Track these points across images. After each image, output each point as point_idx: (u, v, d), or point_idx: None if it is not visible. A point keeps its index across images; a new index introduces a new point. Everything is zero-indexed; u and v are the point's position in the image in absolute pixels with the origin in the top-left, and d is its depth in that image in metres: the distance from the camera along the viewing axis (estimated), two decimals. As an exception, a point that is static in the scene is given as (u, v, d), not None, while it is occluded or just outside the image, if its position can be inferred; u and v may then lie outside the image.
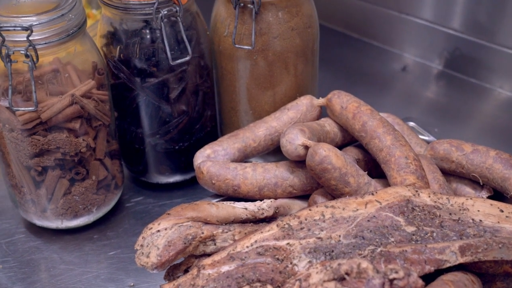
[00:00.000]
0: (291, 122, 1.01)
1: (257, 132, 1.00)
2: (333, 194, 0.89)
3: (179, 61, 0.96)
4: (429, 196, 0.83)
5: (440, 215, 0.80)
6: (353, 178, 0.87)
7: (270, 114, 1.03)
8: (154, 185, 1.12)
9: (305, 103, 1.02)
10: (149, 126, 1.04)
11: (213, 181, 0.94)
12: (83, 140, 0.94)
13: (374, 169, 0.98)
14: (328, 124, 0.99)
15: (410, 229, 0.79)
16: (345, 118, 0.97)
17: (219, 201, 0.94)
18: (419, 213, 0.80)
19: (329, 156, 0.86)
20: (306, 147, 0.89)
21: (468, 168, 0.93)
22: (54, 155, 0.93)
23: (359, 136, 0.95)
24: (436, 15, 1.36)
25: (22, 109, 0.87)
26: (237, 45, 1.00)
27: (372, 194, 0.82)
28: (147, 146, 1.06)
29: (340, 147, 1.00)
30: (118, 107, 1.03)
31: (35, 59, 0.84)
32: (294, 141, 0.90)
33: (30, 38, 0.83)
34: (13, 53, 0.84)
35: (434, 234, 0.78)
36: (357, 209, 0.80)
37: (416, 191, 0.83)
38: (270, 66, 1.03)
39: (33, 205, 0.98)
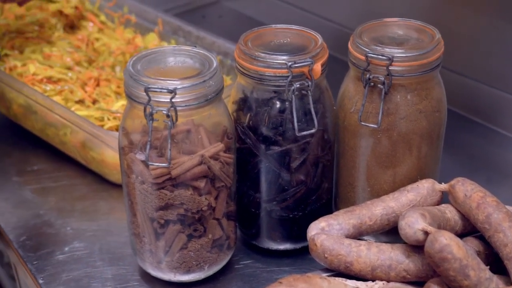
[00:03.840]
0: (410, 205, 0.99)
1: (374, 211, 1.00)
2: (450, 284, 0.86)
3: (304, 132, 0.99)
4: (557, 302, 0.78)
5: None
6: (474, 271, 0.84)
7: (389, 194, 1.02)
8: (264, 250, 1.13)
9: (426, 187, 1.00)
10: (267, 192, 1.06)
11: (325, 255, 0.94)
12: (206, 199, 0.98)
13: (495, 263, 0.93)
14: (449, 211, 0.97)
15: (534, 335, 0.74)
16: (468, 207, 0.94)
17: (329, 275, 0.94)
18: (544, 319, 0.76)
19: (450, 245, 0.84)
20: (426, 233, 0.88)
21: None
22: (177, 210, 0.97)
23: (482, 227, 0.92)
24: None
25: (156, 164, 0.93)
26: (362, 123, 1.01)
27: (494, 291, 0.78)
28: (262, 211, 1.08)
29: (460, 236, 0.96)
30: (239, 170, 1.07)
31: (174, 120, 0.90)
32: (414, 225, 0.88)
33: (173, 100, 0.90)
34: (156, 112, 0.90)
35: None
36: (477, 305, 0.77)
37: (543, 294, 0.78)
38: (394, 146, 1.03)
39: (150, 255, 1.02)
